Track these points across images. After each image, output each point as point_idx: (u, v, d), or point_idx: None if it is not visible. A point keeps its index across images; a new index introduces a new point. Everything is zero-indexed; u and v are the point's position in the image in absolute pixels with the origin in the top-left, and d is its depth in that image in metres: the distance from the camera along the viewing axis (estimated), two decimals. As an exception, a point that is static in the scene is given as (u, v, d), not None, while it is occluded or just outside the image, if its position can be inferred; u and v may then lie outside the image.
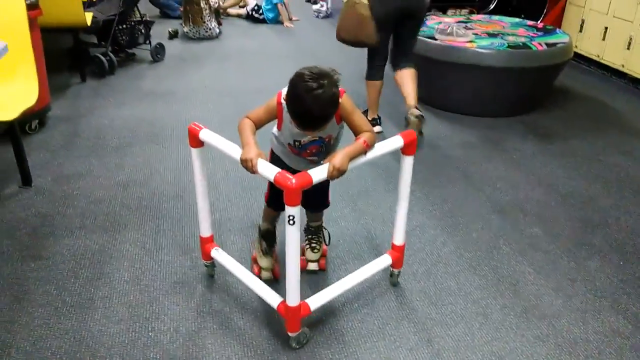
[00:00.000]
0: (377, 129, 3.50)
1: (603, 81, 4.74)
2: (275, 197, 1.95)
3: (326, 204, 2.22)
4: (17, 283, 2.12)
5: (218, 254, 2.10)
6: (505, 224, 2.62)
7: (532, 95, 3.96)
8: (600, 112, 4.04)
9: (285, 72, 5.11)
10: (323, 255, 2.27)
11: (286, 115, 1.76)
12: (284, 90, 1.73)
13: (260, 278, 2.08)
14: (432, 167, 3.13)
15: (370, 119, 3.52)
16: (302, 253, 2.24)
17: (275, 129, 1.92)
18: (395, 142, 1.85)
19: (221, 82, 4.39)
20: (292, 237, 1.63)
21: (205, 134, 1.84)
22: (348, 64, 4.99)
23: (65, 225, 2.48)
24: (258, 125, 1.79)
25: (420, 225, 2.57)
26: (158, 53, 4.88)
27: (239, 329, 1.95)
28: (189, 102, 3.96)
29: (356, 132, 1.79)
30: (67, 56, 4.63)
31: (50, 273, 2.18)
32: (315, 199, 2.12)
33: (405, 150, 1.88)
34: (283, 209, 1.63)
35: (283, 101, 1.73)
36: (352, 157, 1.69)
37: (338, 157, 1.65)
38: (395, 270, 2.15)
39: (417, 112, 3.20)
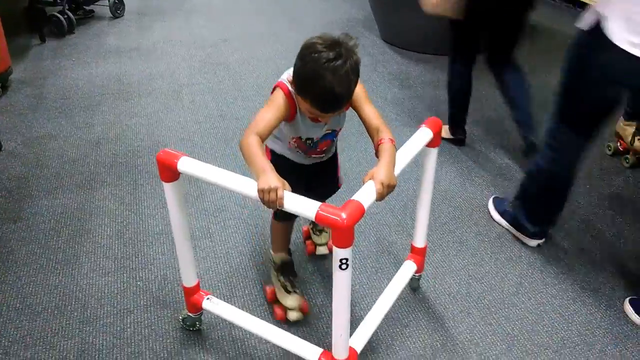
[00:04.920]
0: None
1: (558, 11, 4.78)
2: None
3: (338, 187, 1.86)
4: (-1, 245, 2.13)
5: (212, 305, 1.66)
6: (477, 157, 2.69)
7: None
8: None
9: (252, 22, 4.93)
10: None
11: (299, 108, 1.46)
12: (285, 76, 1.44)
13: (287, 320, 1.77)
14: (405, 107, 3.17)
15: None
16: (308, 237, 2.10)
17: (280, 125, 1.50)
18: (424, 135, 1.53)
19: (186, 35, 4.29)
20: (342, 283, 1.26)
21: (185, 164, 1.38)
22: (320, 13, 4.94)
23: (41, 187, 2.47)
24: (268, 135, 1.42)
25: (395, 163, 2.62)
26: (117, 9, 4.72)
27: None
28: (154, 56, 3.87)
29: (369, 124, 1.45)
30: (23, 17, 4.45)
31: (31, 233, 2.19)
32: (325, 184, 1.81)
33: (430, 142, 1.56)
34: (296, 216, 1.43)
35: (291, 89, 1.42)
36: (394, 166, 1.36)
37: (383, 172, 1.30)
38: (417, 275, 1.88)
39: None
